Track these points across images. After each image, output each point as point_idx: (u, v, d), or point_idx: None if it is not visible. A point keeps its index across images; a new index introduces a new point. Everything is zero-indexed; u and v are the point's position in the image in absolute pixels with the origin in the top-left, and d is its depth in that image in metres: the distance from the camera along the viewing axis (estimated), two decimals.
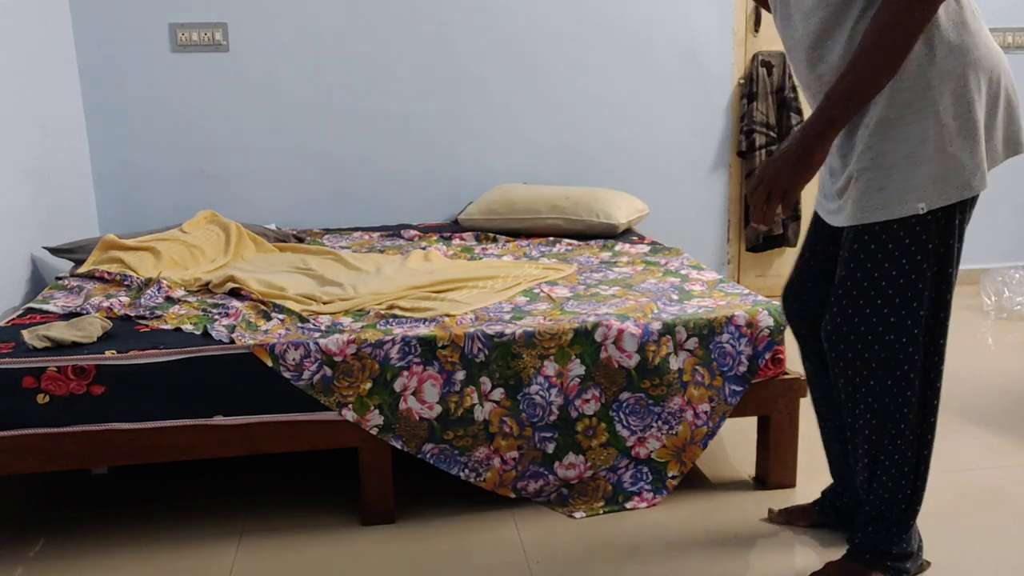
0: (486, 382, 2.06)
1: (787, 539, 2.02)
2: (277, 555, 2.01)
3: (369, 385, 2.04)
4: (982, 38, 1.55)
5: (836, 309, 1.66)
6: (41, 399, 1.97)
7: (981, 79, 1.54)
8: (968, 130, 1.55)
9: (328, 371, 2.02)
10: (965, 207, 1.61)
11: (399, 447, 2.06)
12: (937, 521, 2.08)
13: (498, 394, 2.07)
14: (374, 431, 2.04)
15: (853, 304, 1.64)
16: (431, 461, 2.08)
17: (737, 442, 2.45)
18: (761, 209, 1.56)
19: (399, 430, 2.05)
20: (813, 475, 2.21)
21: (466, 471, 2.09)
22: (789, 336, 2.02)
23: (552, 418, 2.08)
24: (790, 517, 2.08)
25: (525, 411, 2.08)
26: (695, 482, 2.31)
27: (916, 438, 1.72)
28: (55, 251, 2.87)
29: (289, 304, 2.34)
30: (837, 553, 1.87)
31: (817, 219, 1.80)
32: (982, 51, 1.54)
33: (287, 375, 2.01)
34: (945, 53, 1.52)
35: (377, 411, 2.04)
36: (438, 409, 2.05)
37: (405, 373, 2.04)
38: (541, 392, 2.07)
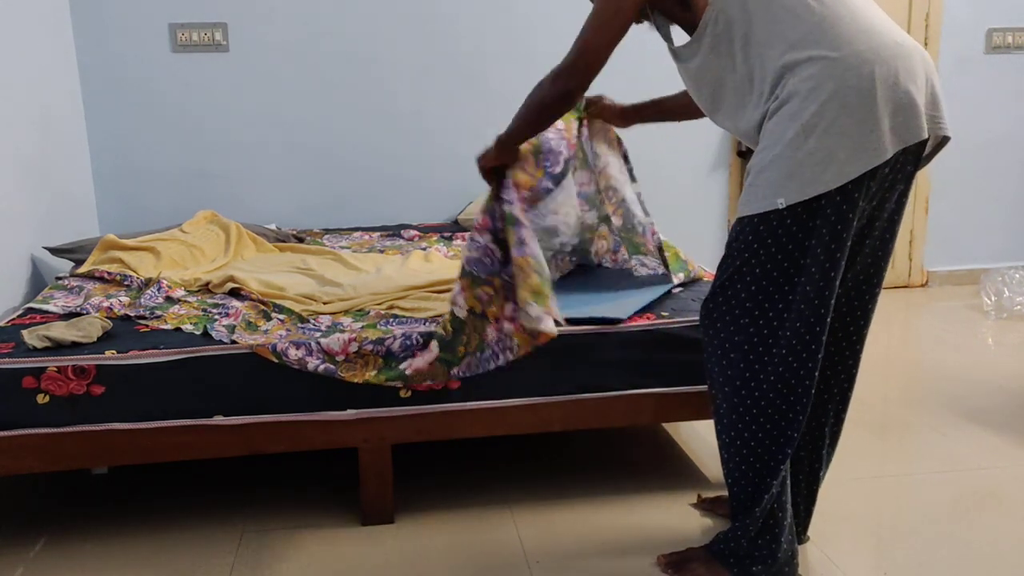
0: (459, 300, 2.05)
1: None
2: (277, 555, 2.01)
3: (374, 372, 2.03)
4: (848, 39, 1.61)
5: (709, 290, 1.79)
6: (41, 399, 1.96)
7: (843, 79, 1.58)
8: (825, 129, 1.59)
9: (331, 365, 2.02)
10: (827, 204, 1.62)
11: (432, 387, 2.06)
12: (937, 521, 2.09)
13: (461, 284, 2.05)
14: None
15: (722, 288, 1.74)
16: (468, 375, 2.05)
17: None
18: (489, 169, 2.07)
19: (418, 384, 2.05)
20: None
21: (500, 358, 2.04)
22: None
23: (498, 257, 2.05)
24: (712, 506, 2.13)
25: (480, 272, 2.04)
26: (696, 482, 2.31)
27: (769, 432, 1.73)
28: (55, 251, 2.87)
29: (289, 304, 2.34)
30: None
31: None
32: (845, 51, 1.60)
33: (294, 367, 2.01)
34: (806, 62, 1.60)
35: (390, 384, 2.04)
36: (436, 349, 2.03)
37: (409, 360, 2.04)
38: (480, 250, 2.05)
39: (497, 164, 2.08)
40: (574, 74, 1.80)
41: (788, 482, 1.80)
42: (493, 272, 2.03)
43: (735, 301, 1.71)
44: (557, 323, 1.98)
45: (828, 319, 1.67)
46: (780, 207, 1.62)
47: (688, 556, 1.89)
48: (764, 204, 1.64)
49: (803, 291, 1.65)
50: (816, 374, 1.70)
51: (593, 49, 1.75)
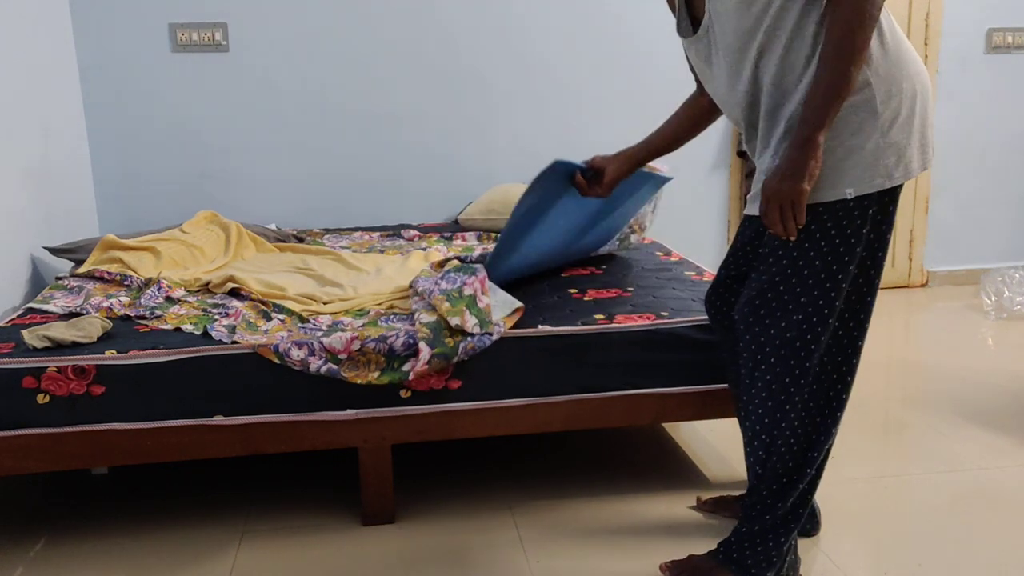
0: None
1: None
2: (277, 555, 2.01)
3: (377, 374, 2.03)
4: (909, 51, 1.65)
5: (754, 285, 1.70)
6: (41, 399, 1.97)
7: (906, 88, 1.61)
8: (901, 126, 1.61)
9: (334, 366, 2.02)
10: (887, 198, 1.65)
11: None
12: (937, 521, 2.09)
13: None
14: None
15: (771, 280, 1.67)
16: (471, 355, 2.04)
17: (737, 442, 2.44)
18: (780, 225, 1.62)
19: (420, 383, 2.06)
20: None
21: (494, 334, 2.04)
22: None
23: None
24: (716, 507, 2.13)
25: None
26: (696, 482, 2.31)
27: (803, 434, 1.73)
28: (55, 251, 2.87)
29: (289, 304, 2.34)
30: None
31: (744, 220, 1.88)
32: (909, 62, 1.63)
33: (296, 369, 2.01)
34: (881, 57, 1.59)
35: (392, 383, 2.04)
36: (427, 349, 2.03)
37: (412, 360, 2.03)
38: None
39: (809, 183, 1.57)
40: None
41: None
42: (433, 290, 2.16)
43: (790, 294, 1.65)
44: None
45: (871, 313, 1.70)
46: (848, 197, 1.59)
47: (694, 563, 1.85)
48: (831, 194, 1.59)
49: (849, 283, 1.66)
50: (856, 367, 1.72)
51: None
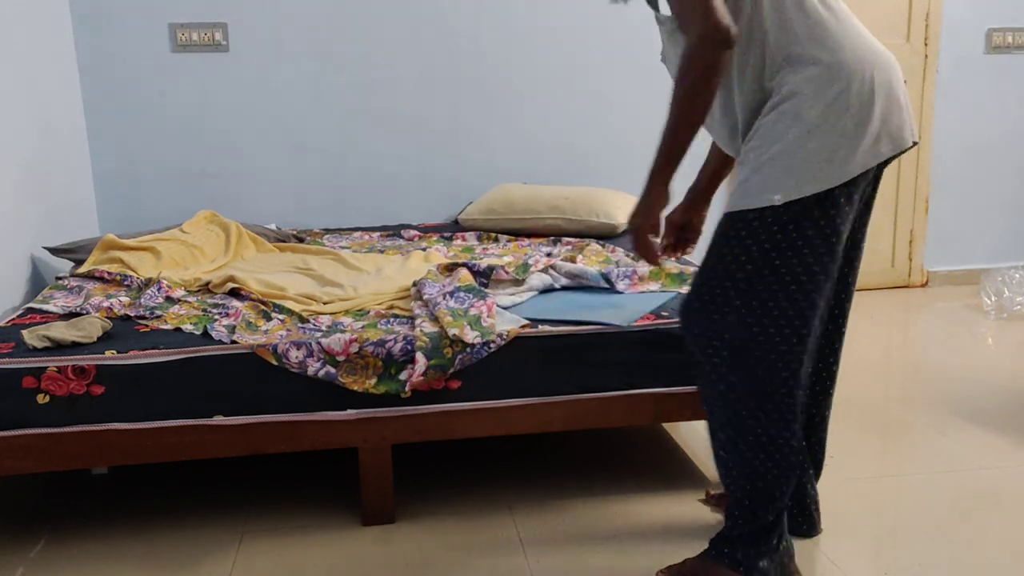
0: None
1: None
2: (277, 555, 2.01)
3: (374, 380, 2.04)
4: (849, 42, 1.64)
5: (692, 286, 1.74)
6: (41, 399, 1.97)
7: (848, 82, 1.61)
8: (827, 130, 1.61)
9: (331, 369, 2.02)
10: (824, 202, 1.63)
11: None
12: (937, 521, 2.09)
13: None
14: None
15: (707, 284, 1.70)
16: (468, 364, 2.05)
17: None
18: (642, 251, 1.75)
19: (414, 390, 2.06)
20: None
21: (492, 345, 2.05)
22: None
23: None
24: (720, 502, 2.13)
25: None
26: (696, 481, 2.31)
27: (767, 429, 1.71)
28: (55, 251, 2.87)
29: (289, 304, 2.34)
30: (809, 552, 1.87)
31: None
32: (847, 55, 1.63)
33: (294, 371, 2.01)
34: (810, 62, 1.62)
35: (388, 393, 2.04)
36: (423, 359, 2.03)
37: (410, 366, 2.04)
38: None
39: (656, 215, 1.73)
40: (715, 36, 1.55)
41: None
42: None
43: (723, 298, 1.68)
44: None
45: (816, 318, 1.67)
46: (776, 203, 1.61)
47: (689, 566, 1.84)
48: (757, 200, 1.63)
49: (791, 289, 1.65)
50: (805, 369, 1.70)
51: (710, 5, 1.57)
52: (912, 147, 1.73)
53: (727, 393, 1.71)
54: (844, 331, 1.89)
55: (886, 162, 1.73)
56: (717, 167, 2.06)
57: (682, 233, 2.06)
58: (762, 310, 1.65)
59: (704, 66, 1.56)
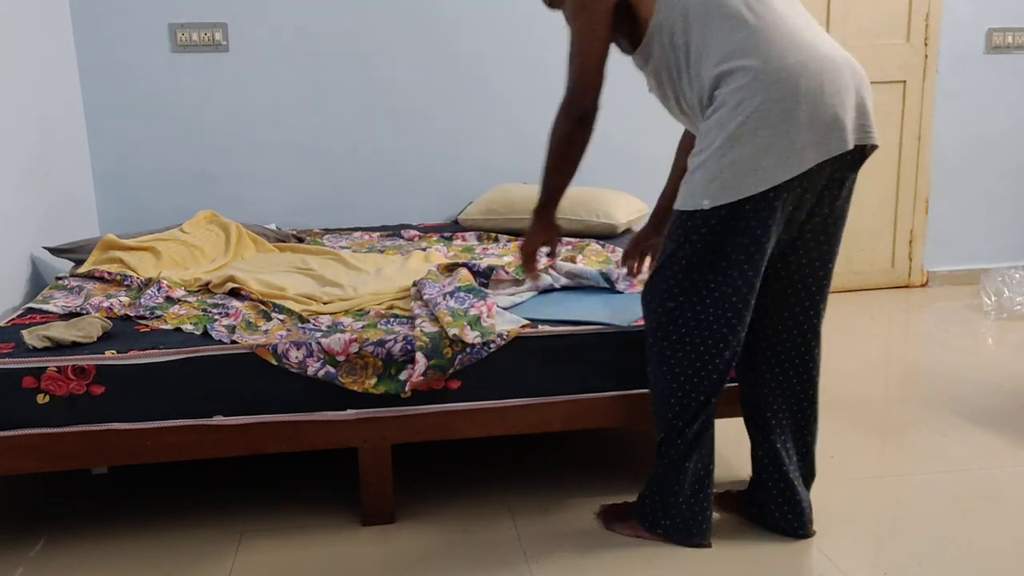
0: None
1: (783, 539, 2.02)
2: (277, 555, 2.01)
3: (374, 380, 2.04)
4: (777, 52, 1.70)
5: (648, 276, 1.93)
6: (41, 399, 1.97)
7: (769, 93, 1.68)
8: (749, 139, 1.70)
9: (331, 369, 2.02)
10: (748, 208, 1.73)
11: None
12: (937, 521, 2.09)
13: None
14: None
15: (658, 271, 1.87)
16: (469, 364, 2.05)
17: (737, 442, 2.44)
18: (527, 270, 2.09)
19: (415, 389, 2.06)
20: None
21: (492, 345, 2.05)
22: None
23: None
24: (719, 500, 2.14)
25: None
26: None
27: (675, 415, 1.90)
28: (55, 251, 2.87)
29: (289, 304, 2.34)
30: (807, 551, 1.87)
31: None
32: (773, 65, 1.69)
33: (293, 371, 2.01)
34: (738, 74, 1.70)
35: (388, 393, 2.04)
36: (423, 359, 2.03)
37: (410, 366, 2.04)
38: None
39: (540, 241, 2.05)
40: (581, 99, 1.85)
41: (709, 450, 1.94)
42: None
43: (664, 286, 1.85)
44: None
45: (747, 313, 1.82)
46: (705, 208, 1.75)
47: (618, 509, 2.09)
48: (692, 203, 1.77)
49: (723, 285, 1.79)
50: (731, 363, 1.86)
51: (588, 72, 1.84)
52: (868, 150, 1.78)
53: (665, 373, 1.90)
54: (819, 335, 1.94)
55: (852, 164, 1.77)
56: (674, 193, 2.16)
57: (644, 251, 2.30)
58: (697, 299, 1.82)
59: (562, 134, 1.87)
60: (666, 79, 1.87)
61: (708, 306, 1.81)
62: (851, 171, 1.80)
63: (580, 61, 1.83)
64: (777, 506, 2.00)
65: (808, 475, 2.02)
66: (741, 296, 1.80)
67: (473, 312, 2.14)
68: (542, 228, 2.04)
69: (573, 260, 2.79)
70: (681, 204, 1.81)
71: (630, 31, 1.87)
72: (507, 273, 2.45)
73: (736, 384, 2.06)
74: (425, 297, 2.26)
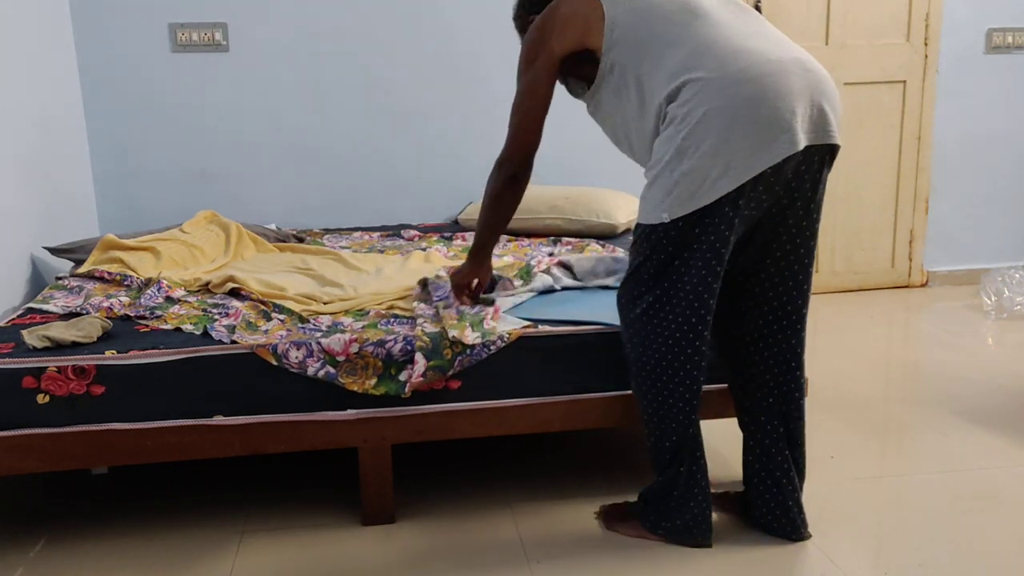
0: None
1: (782, 541, 2.02)
2: (277, 555, 2.01)
3: (374, 381, 2.04)
4: (718, 62, 1.73)
5: (622, 280, 1.97)
6: (41, 399, 1.97)
7: (710, 106, 1.71)
8: (695, 151, 1.73)
9: (331, 369, 2.02)
10: (705, 216, 1.76)
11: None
12: (937, 521, 2.09)
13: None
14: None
15: (628, 280, 1.93)
16: (469, 365, 2.06)
17: (736, 442, 2.44)
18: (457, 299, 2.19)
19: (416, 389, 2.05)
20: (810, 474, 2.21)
21: (492, 347, 2.06)
22: None
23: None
24: (719, 501, 2.14)
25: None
26: None
27: (660, 418, 1.92)
28: (55, 251, 2.87)
29: (289, 304, 2.34)
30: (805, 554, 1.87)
31: None
32: (715, 75, 1.72)
33: (293, 371, 2.01)
34: (684, 90, 1.74)
35: (388, 394, 2.04)
36: (423, 360, 2.03)
37: (409, 367, 2.04)
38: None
39: (472, 278, 2.18)
40: (515, 157, 1.99)
41: (697, 452, 1.95)
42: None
43: (635, 292, 1.90)
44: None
45: (709, 315, 1.84)
46: (665, 221, 1.79)
47: (620, 509, 2.09)
48: (653, 217, 1.82)
49: (686, 290, 1.82)
50: (701, 364, 1.87)
51: (524, 130, 1.95)
52: (827, 149, 1.78)
53: (644, 380, 1.93)
54: (802, 336, 1.94)
55: (820, 164, 1.77)
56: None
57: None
58: (660, 304, 1.85)
59: (493, 193, 2.03)
60: (622, 116, 1.92)
61: (675, 306, 1.84)
62: (820, 171, 1.80)
63: (519, 118, 1.94)
64: (769, 509, 2.00)
65: (799, 476, 2.01)
66: (703, 302, 1.82)
67: (480, 316, 2.15)
68: (474, 268, 2.17)
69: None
70: (643, 218, 1.86)
71: (589, 72, 1.92)
72: (513, 284, 2.43)
73: (727, 385, 2.07)
74: (436, 298, 2.26)
